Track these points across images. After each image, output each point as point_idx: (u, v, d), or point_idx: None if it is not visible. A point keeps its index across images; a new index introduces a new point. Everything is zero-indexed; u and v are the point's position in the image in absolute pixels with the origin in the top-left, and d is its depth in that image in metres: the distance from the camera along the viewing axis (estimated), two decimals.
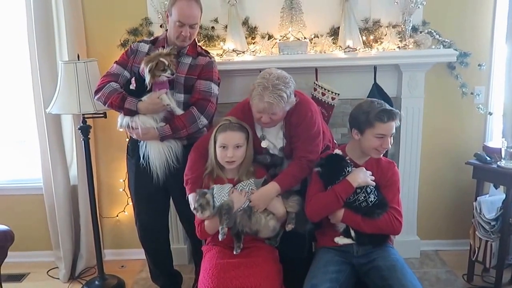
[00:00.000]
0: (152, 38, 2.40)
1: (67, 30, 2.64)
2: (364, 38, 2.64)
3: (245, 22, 2.68)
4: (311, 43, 2.66)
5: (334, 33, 2.67)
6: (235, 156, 2.02)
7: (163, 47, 2.26)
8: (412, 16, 2.60)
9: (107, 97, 2.21)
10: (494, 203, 2.54)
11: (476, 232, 2.58)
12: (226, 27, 2.65)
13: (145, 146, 2.26)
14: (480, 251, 2.57)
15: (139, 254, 2.93)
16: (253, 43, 2.67)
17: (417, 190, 2.85)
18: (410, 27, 2.63)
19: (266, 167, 2.21)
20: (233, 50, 2.58)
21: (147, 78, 2.13)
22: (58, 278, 2.89)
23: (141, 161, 2.26)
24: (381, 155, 2.04)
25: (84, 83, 2.43)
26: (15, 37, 2.88)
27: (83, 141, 2.58)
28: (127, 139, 2.47)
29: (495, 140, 2.78)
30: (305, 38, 2.66)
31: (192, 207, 2.03)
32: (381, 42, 2.65)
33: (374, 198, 1.96)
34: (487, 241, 2.53)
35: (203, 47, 2.53)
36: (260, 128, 2.17)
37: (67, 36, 2.65)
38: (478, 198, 2.60)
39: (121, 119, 2.26)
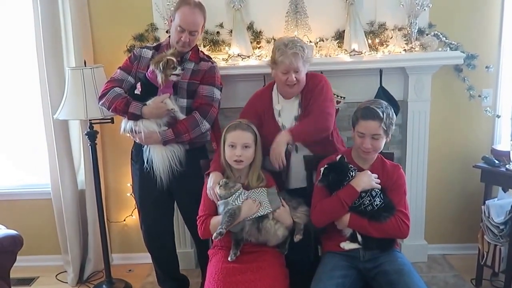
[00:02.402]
0: (155, 44, 2.42)
1: (74, 37, 2.67)
2: (369, 41, 2.63)
3: (250, 27, 2.69)
4: (316, 47, 2.66)
5: (340, 36, 2.67)
6: (243, 155, 2.01)
7: None
8: (418, 18, 2.59)
9: (111, 102, 2.23)
10: (503, 206, 2.51)
11: (485, 236, 2.55)
12: (231, 32, 2.66)
13: (149, 151, 2.27)
14: (488, 256, 2.54)
15: (147, 258, 2.94)
16: (259, 48, 2.67)
17: (425, 193, 2.83)
18: (416, 30, 2.61)
19: (274, 175, 2.19)
20: (238, 55, 2.59)
21: (160, 78, 2.15)
22: (67, 282, 2.91)
23: (145, 166, 2.28)
24: (369, 156, 2.00)
25: (91, 89, 2.45)
26: (23, 44, 2.91)
27: (90, 147, 2.60)
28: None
29: (504, 143, 2.74)
30: (310, 42, 2.65)
31: (209, 185, 2.05)
32: (387, 45, 2.64)
33: (380, 201, 1.94)
34: (495, 245, 2.50)
35: (208, 52, 2.55)
36: (278, 100, 2.22)
37: (74, 43, 2.68)
38: (486, 201, 2.57)
39: (124, 124, 2.28)
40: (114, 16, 2.76)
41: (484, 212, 2.55)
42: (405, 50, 2.60)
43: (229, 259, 1.98)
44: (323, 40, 2.67)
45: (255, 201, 1.99)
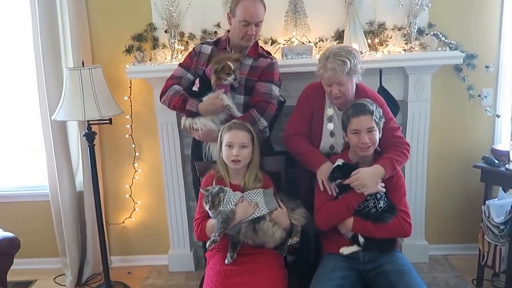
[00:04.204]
0: (214, 39, 2.43)
1: (72, 37, 2.66)
2: (369, 41, 2.62)
3: None
4: (316, 47, 2.65)
5: (339, 36, 2.66)
6: (240, 155, 2.00)
7: (225, 48, 2.30)
8: (417, 18, 2.59)
9: (171, 99, 2.26)
10: (503, 206, 2.50)
11: (485, 236, 2.54)
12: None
13: (208, 148, 2.28)
14: (489, 256, 2.53)
15: (146, 260, 2.95)
16: None
17: (425, 193, 2.82)
18: (416, 30, 2.61)
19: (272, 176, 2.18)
20: None
21: (212, 79, 2.17)
22: (65, 285, 2.88)
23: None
24: (368, 152, 1.99)
25: (88, 90, 2.43)
26: (20, 44, 2.89)
27: (88, 148, 2.58)
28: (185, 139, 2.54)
29: (504, 143, 2.74)
30: (309, 42, 2.65)
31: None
32: (387, 45, 2.63)
33: (384, 204, 1.95)
34: (496, 246, 2.49)
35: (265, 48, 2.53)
36: (329, 104, 2.18)
37: (72, 43, 2.66)
38: (486, 201, 2.55)
39: (183, 120, 2.29)
40: (112, 16, 2.74)
41: (484, 212, 2.53)
42: (404, 50, 2.60)
43: (226, 261, 1.97)
44: (322, 40, 2.66)
45: (251, 202, 1.98)
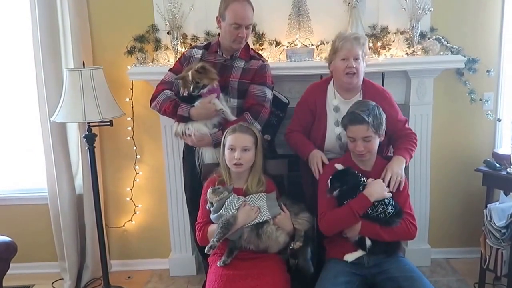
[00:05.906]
0: (205, 43, 2.42)
1: (73, 38, 2.63)
2: (371, 44, 2.63)
3: (253, 29, 2.65)
4: (317, 49, 2.66)
5: None
6: (243, 158, 1.99)
7: (216, 52, 2.30)
8: (420, 22, 2.60)
9: (161, 105, 2.24)
10: (505, 210, 2.51)
11: (487, 240, 2.54)
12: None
13: (201, 152, 2.27)
14: (491, 259, 2.53)
15: (146, 264, 2.92)
16: (261, 50, 2.66)
17: (428, 197, 2.83)
18: (418, 34, 2.62)
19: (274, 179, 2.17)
20: None
21: (180, 90, 2.20)
22: None
23: (196, 167, 2.27)
24: (364, 158, 2.00)
25: (89, 91, 2.41)
26: (20, 45, 2.86)
27: (88, 150, 2.55)
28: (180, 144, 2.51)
29: (505, 147, 2.75)
30: (312, 44, 2.65)
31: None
32: (389, 49, 2.65)
33: (392, 209, 1.93)
34: (498, 249, 2.49)
35: (257, 50, 2.53)
36: (334, 96, 2.22)
37: (73, 44, 2.64)
38: (488, 205, 2.56)
39: (175, 126, 2.27)
40: (114, 16, 2.72)
41: (486, 215, 2.54)
42: (407, 53, 2.62)
43: (217, 264, 1.95)
44: (324, 43, 2.66)
45: (253, 207, 1.96)
